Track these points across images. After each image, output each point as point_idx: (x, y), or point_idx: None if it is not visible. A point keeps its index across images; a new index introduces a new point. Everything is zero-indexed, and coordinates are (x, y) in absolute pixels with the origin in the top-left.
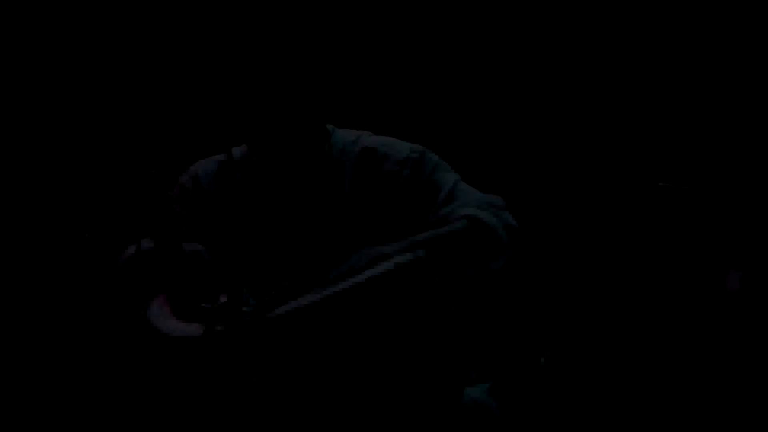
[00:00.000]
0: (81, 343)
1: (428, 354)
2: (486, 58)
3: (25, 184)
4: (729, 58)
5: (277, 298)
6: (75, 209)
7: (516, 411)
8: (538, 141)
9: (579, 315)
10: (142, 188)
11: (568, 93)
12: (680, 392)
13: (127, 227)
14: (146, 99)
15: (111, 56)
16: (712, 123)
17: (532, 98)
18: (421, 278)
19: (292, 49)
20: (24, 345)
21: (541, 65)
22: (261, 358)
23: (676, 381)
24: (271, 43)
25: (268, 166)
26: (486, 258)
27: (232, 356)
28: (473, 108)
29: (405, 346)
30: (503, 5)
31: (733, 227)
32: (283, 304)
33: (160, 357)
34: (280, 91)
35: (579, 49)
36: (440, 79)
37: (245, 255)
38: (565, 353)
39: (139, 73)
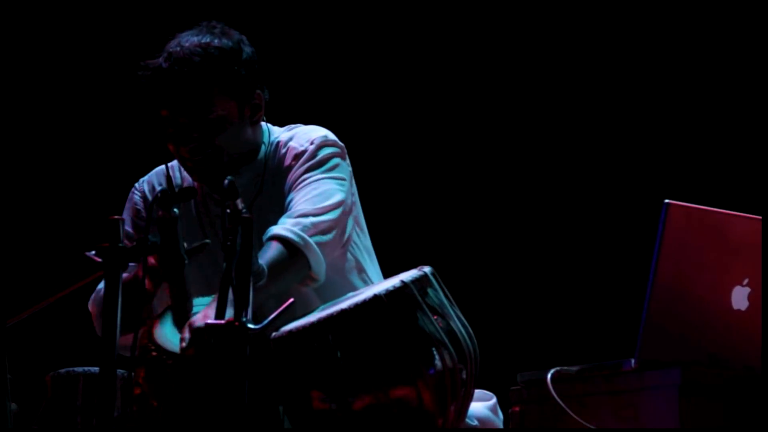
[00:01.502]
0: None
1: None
2: (488, 68)
3: (28, 192)
4: (733, 77)
5: None
6: (77, 221)
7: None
8: (545, 156)
9: (583, 328)
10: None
11: (576, 109)
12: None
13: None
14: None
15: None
16: (716, 139)
17: (539, 112)
18: (405, 303)
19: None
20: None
21: (547, 73)
22: (262, 374)
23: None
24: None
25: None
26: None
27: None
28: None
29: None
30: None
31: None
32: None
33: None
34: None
35: (588, 64)
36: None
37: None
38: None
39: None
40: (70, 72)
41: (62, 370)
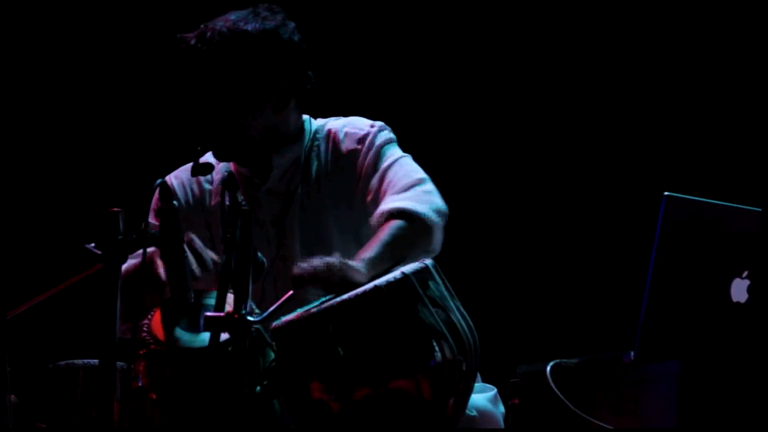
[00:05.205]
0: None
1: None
2: (490, 64)
3: (29, 189)
4: (733, 70)
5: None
6: (77, 216)
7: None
8: (544, 148)
9: (582, 321)
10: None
11: (574, 101)
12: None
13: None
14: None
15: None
16: (716, 132)
17: (538, 105)
18: (406, 294)
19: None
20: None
21: (547, 71)
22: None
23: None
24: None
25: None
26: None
27: (235, 364)
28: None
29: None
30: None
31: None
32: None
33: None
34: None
35: (586, 57)
36: (441, 81)
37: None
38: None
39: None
40: (68, 66)
41: (62, 363)
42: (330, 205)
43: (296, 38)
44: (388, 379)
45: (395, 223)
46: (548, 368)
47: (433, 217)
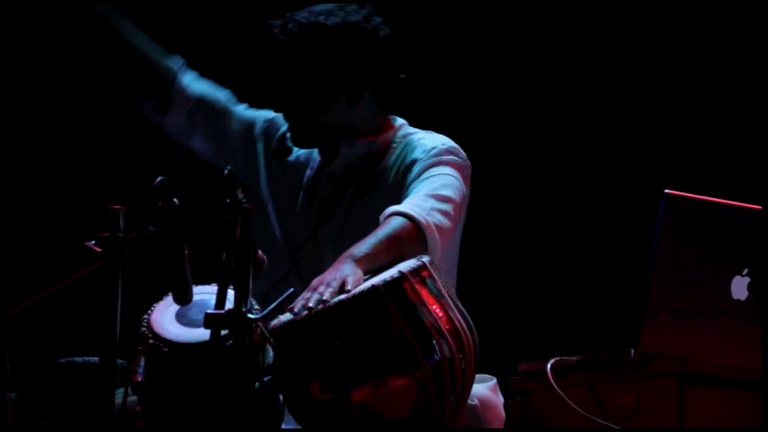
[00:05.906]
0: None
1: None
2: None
3: (30, 187)
4: (732, 69)
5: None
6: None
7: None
8: (543, 147)
9: (583, 318)
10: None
11: (575, 98)
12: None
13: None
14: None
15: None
16: (716, 130)
17: (538, 103)
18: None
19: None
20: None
21: (548, 69)
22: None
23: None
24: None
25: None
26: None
27: (234, 360)
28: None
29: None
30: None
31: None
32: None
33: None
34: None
35: (586, 54)
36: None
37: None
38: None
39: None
40: (68, 64)
41: (62, 360)
42: (381, 206)
43: (381, 33)
44: (387, 378)
45: (392, 222)
46: (549, 365)
47: (433, 228)
